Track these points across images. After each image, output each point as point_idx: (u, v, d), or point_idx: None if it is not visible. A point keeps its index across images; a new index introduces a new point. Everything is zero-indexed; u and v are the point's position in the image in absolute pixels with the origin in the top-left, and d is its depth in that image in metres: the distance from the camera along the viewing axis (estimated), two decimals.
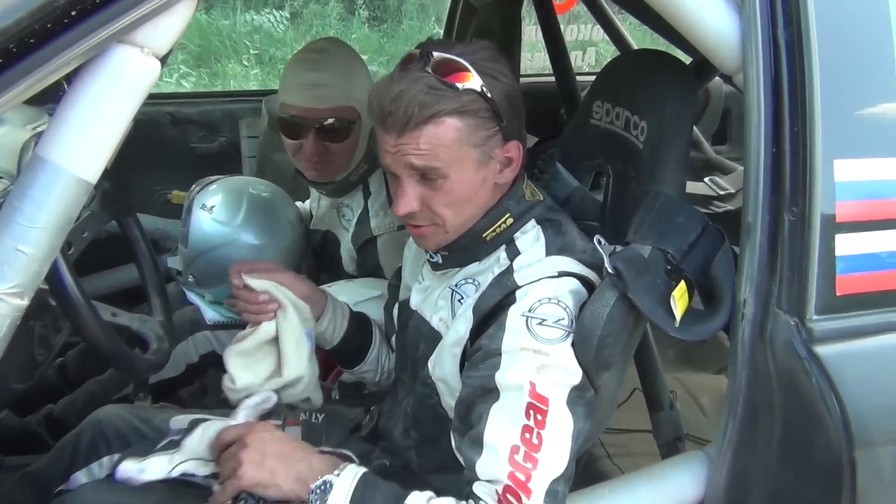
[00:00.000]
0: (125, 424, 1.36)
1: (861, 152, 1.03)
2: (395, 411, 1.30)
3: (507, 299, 1.08)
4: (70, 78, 0.87)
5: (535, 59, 3.81)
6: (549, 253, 1.13)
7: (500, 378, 1.03)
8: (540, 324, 1.04)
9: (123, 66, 0.85)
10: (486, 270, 1.16)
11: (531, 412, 0.99)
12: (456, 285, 1.19)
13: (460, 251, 1.18)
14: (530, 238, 1.16)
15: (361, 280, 1.76)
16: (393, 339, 1.40)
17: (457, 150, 1.06)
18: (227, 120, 2.62)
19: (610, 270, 1.03)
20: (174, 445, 1.15)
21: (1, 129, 1.72)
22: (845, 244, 1.00)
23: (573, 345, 1.03)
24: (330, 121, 1.60)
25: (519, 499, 0.96)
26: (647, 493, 1.14)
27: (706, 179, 2.51)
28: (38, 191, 0.83)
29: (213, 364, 1.83)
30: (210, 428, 1.15)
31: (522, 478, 0.97)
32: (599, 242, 1.05)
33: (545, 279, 1.08)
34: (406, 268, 1.39)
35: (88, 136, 0.85)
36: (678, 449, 1.55)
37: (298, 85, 1.61)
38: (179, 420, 1.32)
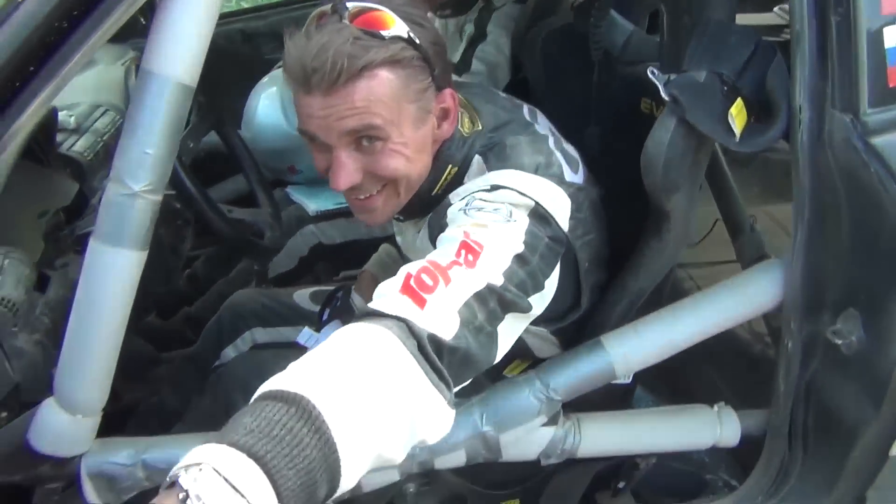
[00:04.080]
0: (257, 303, 1.54)
1: None
2: None
3: (445, 211, 1.05)
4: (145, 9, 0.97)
5: None
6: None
7: (437, 242, 0.99)
8: (478, 210, 0.99)
9: None
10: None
11: (462, 251, 0.91)
12: (422, 228, 1.16)
13: (413, 210, 1.15)
14: (474, 174, 1.11)
15: None
16: None
17: (394, 106, 0.99)
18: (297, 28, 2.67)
19: (666, 98, 1.09)
20: None
21: (96, 68, 1.88)
22: (894, 36, 1.03)
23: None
24: None
25: (435, 279, 0.86)
26: (729, 302, 1.22)
27: (776, 9, 2.45)
28: (149, 99, 0.95)
29: (321, 255, 2.01)
30: None
31: (444, 264, 0.89)
32: (653, 73, 1.10)
33: (479, 191, 1.03)
34: None
35: (182, 44, 0.95)
36: None
37: None
38: (301, 294, 1.49)
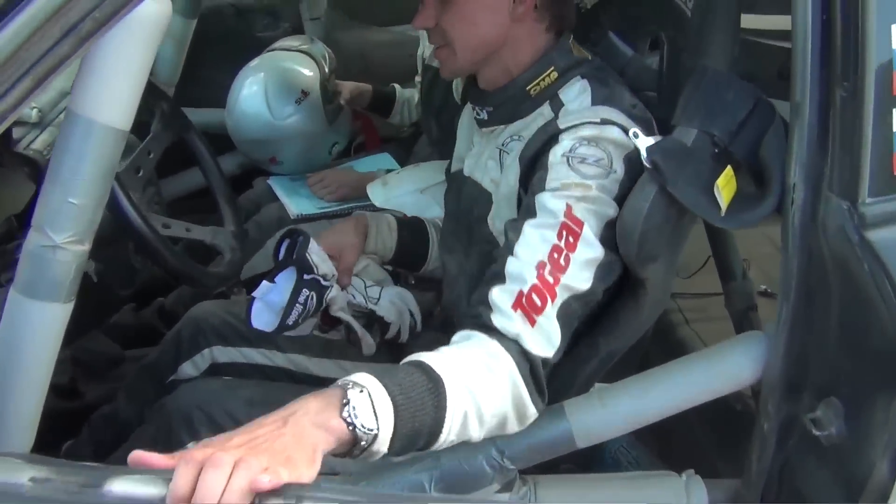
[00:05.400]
0: (218, 320, 1.49)
1: None
2: (454, 292, 1.35)
3: (550, 142, 1.11)
4: None
5: None
6: (594, 103, 1.14)
7: (539, 201, 1.07)
8: (581, 162, 1.07)
9: (137, 14, 0.86)
10: (531, 124, 1.18)
11: (564, 233, 1.03)
12: (503, 144, 1.22)
13: (504, 106, 1.22)
14: (576, 90, 1.17)
15: (428, 164, 1.78)
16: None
17: None
18: (288, 4, 2.52)
19: (647, 165, 1.00)
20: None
21: None
22: None
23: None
24: None
25: (544, 300, 1.01)
26: (703, 374, 1.14)
27: None
28: (75, 144, 0.88)
29: None
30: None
31: (551, 280, 1.02)
32: (636, 136, 1.02)
33: (587, 124, 1.10)
34: (460, 139, 1.41)
35: (113, 87, 0.88)
36: (750, 319, 1.53)
37: None
38: None
